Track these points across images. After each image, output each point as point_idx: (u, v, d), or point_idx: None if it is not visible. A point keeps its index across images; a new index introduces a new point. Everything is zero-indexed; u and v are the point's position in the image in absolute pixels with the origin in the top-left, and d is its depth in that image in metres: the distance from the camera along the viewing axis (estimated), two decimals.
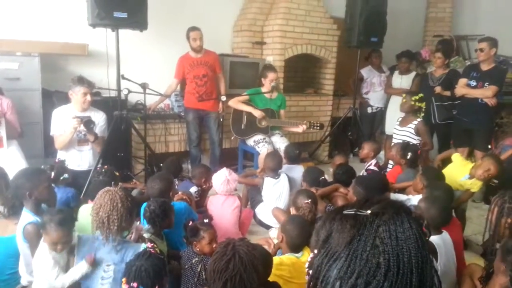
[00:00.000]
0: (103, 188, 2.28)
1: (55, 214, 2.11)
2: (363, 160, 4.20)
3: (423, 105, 4.03)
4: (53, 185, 2.69)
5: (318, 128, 4.71)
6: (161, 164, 3.86)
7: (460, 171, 3.38)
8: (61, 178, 3.04)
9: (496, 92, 4.33)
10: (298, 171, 3.95)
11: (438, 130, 5.02)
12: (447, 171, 3.45)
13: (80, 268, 2.08)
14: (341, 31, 5.65)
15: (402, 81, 5.66)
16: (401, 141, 3.88)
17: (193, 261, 2.31)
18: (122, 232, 2.15)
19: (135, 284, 1.76)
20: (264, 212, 3.60)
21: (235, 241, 1.72)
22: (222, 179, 3.22)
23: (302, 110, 5.74)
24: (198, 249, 2.34)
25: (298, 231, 2.29)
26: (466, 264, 2.58)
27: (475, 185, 3.27)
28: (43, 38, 4.24)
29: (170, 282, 2.18)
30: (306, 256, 2.27)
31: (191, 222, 2.45)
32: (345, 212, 0.83)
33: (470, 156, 4.59)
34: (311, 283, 0.83)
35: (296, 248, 2.31)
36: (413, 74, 5.70)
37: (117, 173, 3.22)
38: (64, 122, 3.51)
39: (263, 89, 4.67)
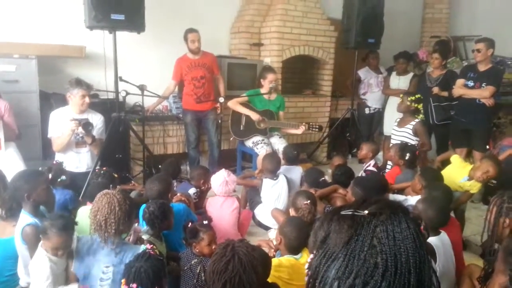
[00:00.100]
0: (101, 189, 2.28)
1: (56, 219, 2.10)
2: (361, 161, 4.20)
3: (420, 106, 4.03)
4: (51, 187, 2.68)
5: (316, 130, 4.72)
6: (159, 166, 3.85)
7: (459, 172, 3.38)
8: (59, 180, 3.03)
9: (494, 93, 4.34)
10: (296, 172, 3.95)
11: (436, 130, 5.03)
12: (446, 172, 3.46)
13: None
14: (339, 32, 5.66)
15: (400, 82, 5.68)
16: (399, 142, 3.89)
17: (192, 262, 2.31)
18: (120, 235, 2.15)
19: (134, 285, 1.75)
20: (263, 213, 3.60)
21: (235, 242, 1.73)
22: (221, 180, 3.22)
23: (300, 111, 5.74)
24: (197, 251, 2.35)
25: (296, 233, 2.28)
26: (465, 265, 2.59)
27: (474, 187, 3.28)
28: (40, 40, 4.24)
29: (169, 284, 2.18)
30: (305, 257, 2.27)
31: (190, 224, 2.45)
32: (342, 212, 0.84)
33: (468, 156, 4.60)
34: (310, 284, 0.83)
35: (294, 250, 2.30)
36: (410, 75, 5.72)
37: (116, 175, 3.21)
38: (61, 124, 3.50)
39: (262, 91, 4.68)
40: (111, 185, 2.80)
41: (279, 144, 4.59)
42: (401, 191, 3.41)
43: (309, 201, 2.77)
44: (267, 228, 3.58)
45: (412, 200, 2.99)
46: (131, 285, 1.76)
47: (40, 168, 2.92)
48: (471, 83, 4.45)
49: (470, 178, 3.26)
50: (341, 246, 0.78)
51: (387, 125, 5.54)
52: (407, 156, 3.58)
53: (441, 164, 3.94)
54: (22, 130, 3.70)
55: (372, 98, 5.99)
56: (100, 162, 3.62)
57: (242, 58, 5.42)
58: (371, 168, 4.00)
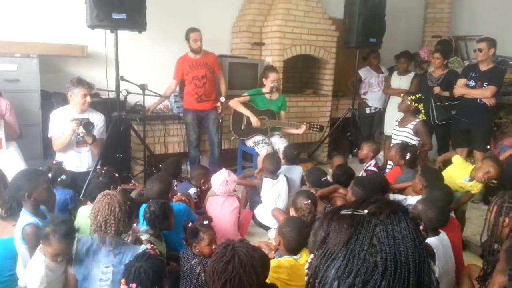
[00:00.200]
0: (102, 189, 2.28)
1: (59, 225, 2.07)
2: (362, 161, 4.20)
3: (421, 106, 4.03)
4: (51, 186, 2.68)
5: (317, 130, 4.72)
6: (160, 165, 3.85)
7: (461, 173, 3.38)
8: (59, 179, 3.02)
9: (495, 92, 4.33)
10: (297, 172, 3.95)
11: (437, 130, 5.02)
12: (448, 172, 3.45)
13: None
14: (340, 32, 5.66)
15: (401, 81, 5.67)
16: (400, 142, 3.89)
17: (193, 262, 2.31)
18: (119, 236, 2.15)
19: (134, 285, 1.76)
20: (263, 213, 3.60)
21: (235, 242, 1.73)
22: (221, 180, 3.22)
23: (301, 111, 5.74)
24: (197, 251, 2.34)
25: (295, 234, 2.27)
26: (464, 265, 2.59)
27: (476, 187, 3.27)
28: (42, 39, 4.25)
29: (169, 284, 2.18)
30: (304, 258, 2.27)
31: (190, 224, 2.45)
32: (342, 212, 0.84)
33: (469, 156, 4.59)
34: (310, 284, 0.83)
35: (293, 250, 2.30)
36: (412, 74, 5.71)
37: (117, 175, 3.21)
38: (62, 123, 3.50)
39: (264, 90, 4.68)
40: (112, 185, 2.80)
41: (279, 143, 4.59)
42: (401, 191, 3.41)
43: (309, 201, 2.76)
44: (267, 228, 3.58)
45: (411, 200, 2.99)
46: (130, 285, 1.76)
47: (40, 168, 2.92)
48: (472, 83, 4.44)
49: (471, 178, 3.25)
50: (341, 245, 0.78)
51: (388, 125, 5.53)
52: (408, 156, 3.58)
53: (443, 165, 3.93)
54: (23, 129, 3.70)
55: (372, 98, 5.98)
56: (101, 161, 3.62)
57: (243, 58, 5.42)
58: (371, 168, 4.00)
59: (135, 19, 3.69)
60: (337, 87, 6.10)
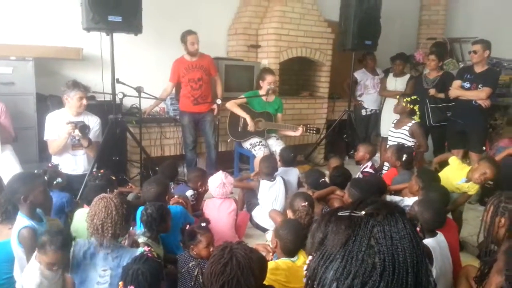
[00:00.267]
0: (99, 192, 2.27)
1: (55, 235, 2.03)
2: (358, 163, 4.21)
3: (416, 107, 4.05)
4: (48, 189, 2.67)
5: (314, 132, 4.73)
6: (156, 168, 3.84)
7: (457, 174, 3.39)
8: (55, 182, 3.01)
9: (490, 94, 4.36)
10: (293, 174, 3.96)
11: (433, 132, 5.04)
12: (444, 174, 3.46)
13: None
14: (336, 34, 5.68)
15: (397, 83, 5.70)
16: (396, 143, 3.90)
17: (190, 264, 2.31)
18: (117, 239, 2.14)
19: None
20: (260, 215, 3.60)
21: (233, 244, 1.72)
22: (218, 182, 3.22)
23: (298, 113, 5.75)
24: (195, 253, 2.34)
25: (292, 236, 2.27)
26: (462, 266, 2.59)
27: (472, 188, 3.29)
28: (37, 42, 4.23)
29: (167, 286, 2.17)
30: (301, 260, 2.27)
31: (188, 226, 2.44)
32: (340, 213, 0.84)
33: (464, 157, 4.62)
34: (308, 286, 0.83)
35: (290, 252, 2.30)
36: (407, 76, 5.74)
37: (114, 177, 3.20)
38: (57, 127, 3.49)
39: (261, 92, 4.68)
40: (108, 188, 2.78)
41: (276, 146, 4.59)
42: (398, 192, 3.41)
43: (306, 203, 2.76)
44: (264, 230, 3.57)
45: (408, 201, 3.00)
46: (128, 287, 1.76)
47: (35, 171, 2.90)
48: (467, 85, 4.47)
49: (468, 179, 3.27)
50: (338, 247, 0.78)
51: (384, 126, 5.56)
52: (404, 157, 3.59)
53: (439, 166, 3.95)
54: (18, 132, 3.68)
55: (368, 100, 6.01)
56: (97, 164, 3.60)
57: (239, 60, 5.42)
58: (368, 169, 4.01)
59: (131, 21, 3.69)
60: (333, 89, 6.12)
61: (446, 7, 7.27)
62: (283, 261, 2.27)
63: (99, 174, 3.15)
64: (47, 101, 4.13)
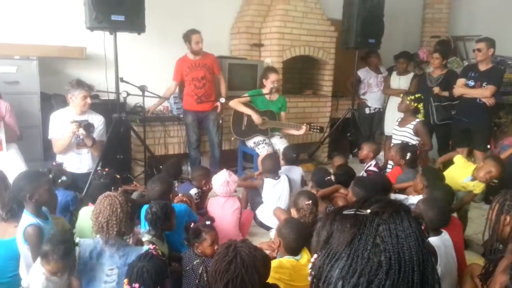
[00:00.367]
0: (104, 190, 2.28)
1: (58, 244, 1.99)
2: (362, 161, 4.20)
3: (420, 105, 4.03)
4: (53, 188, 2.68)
5: (317, 131, 4.72)
6: (161, 166, 3.85)
7: (462, 172, 3.38)
8: (60, 180, 3.03)
9: (494, 92, 4.34)
10: (296, 172, 3.96)
11: (437, 130, 5.03)
12: (449, 172, 3.46)
13: None
14: (339, 33, 5.66)
15: (400, 81, 5.68)
16: (400, 142, 3.89)
17: (195, 263, 2.31)
18: (122, 237, 2.15)
19: (136, 285, 1.76)
20: (264, 213, 3.60)
21: (237, 242, 1.73)
22: (222, 180, 3.22)
23: (301, 111, 5.75)
24: (199, 251, 2.35)
25: (295, 235, 2.28)
26: (467, 264, 2.59)
27: (478, 187, 3.28)
28: (41, 41, 4.25)
29: (171, 284, 2.18)
30: (305, 258, 2.27)
31: (192, 224, 2.45)
32: (345, 212, 0.84)
33: (469, 156, 4.60)
34: (313, 284, 0.83)
35: (293, 251, 2.30)
36: (411, 74, 5.72)
37: (118, 176, 3.21)
38: (62, 125, 3.50)
39: (265, 91, 4.68)
40: (113, 186, 2.80)
41: (280, 144, 4.59)
42: (402, 190, 3.41)
43: (310, 201, 2.77)
44: (268, 228, 3.58)
45: (413, 199, 2.99)
46: (133, 285, 1.77)
47: (40, 169, 2.92)
48: (472, 83, 4.45)
49: (473, 178, 3.26)
50: (344, 245, 0.78)
51: (388, 125, 5.54)
52: (408, 156, 3.58)
53: (443, 166, 3.94)
54: (23, 131, 3.70)
55: (371, 98, 5.99)
56: (101, 163, 3.62)
57: (243, 59, 5.42)
58: (372, 168, 4.00)
59: (134, 20, 3.69)
60: (336, 87, 6.11)
61: (449, 5, 7.24)
62: (287, 260, 2.27)
63: (104, 173, 3.17)
64: (51, 100, 4.15)
